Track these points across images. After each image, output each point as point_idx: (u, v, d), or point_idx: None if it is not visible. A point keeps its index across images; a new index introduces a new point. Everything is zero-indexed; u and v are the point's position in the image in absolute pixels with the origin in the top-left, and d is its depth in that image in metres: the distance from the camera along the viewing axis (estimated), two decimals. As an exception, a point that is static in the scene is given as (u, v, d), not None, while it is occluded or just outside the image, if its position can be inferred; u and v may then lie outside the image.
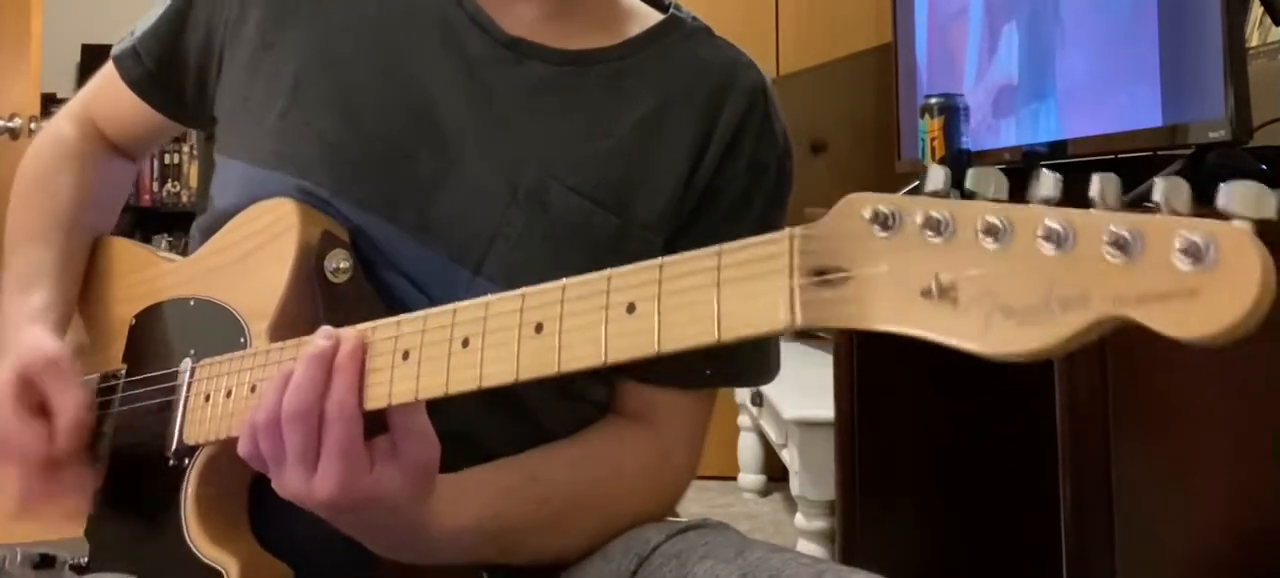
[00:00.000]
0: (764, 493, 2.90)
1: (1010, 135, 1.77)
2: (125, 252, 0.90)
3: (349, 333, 0.62)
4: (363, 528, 0.66)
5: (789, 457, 2.26)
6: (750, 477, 2.91)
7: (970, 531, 1.82)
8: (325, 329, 0.63)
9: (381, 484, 0.61)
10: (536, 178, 0.76)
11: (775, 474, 2.82)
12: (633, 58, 0.82)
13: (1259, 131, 1.27)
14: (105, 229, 0.93)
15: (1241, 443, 1.09)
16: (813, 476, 2.15)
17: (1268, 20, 1.50)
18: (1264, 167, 1.28)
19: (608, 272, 0.54)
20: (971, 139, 1.59)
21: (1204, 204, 1.21)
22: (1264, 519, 1.09)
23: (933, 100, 1.60)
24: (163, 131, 0.95)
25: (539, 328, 0.56)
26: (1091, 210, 0.40)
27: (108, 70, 0.92)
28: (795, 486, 2.21)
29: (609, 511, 0.76)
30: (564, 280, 0.56)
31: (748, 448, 2.92)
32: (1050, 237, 0.40)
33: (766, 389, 2.42)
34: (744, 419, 2.91)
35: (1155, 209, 0.39)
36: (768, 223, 0.83)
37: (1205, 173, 1.26)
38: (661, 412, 0.80)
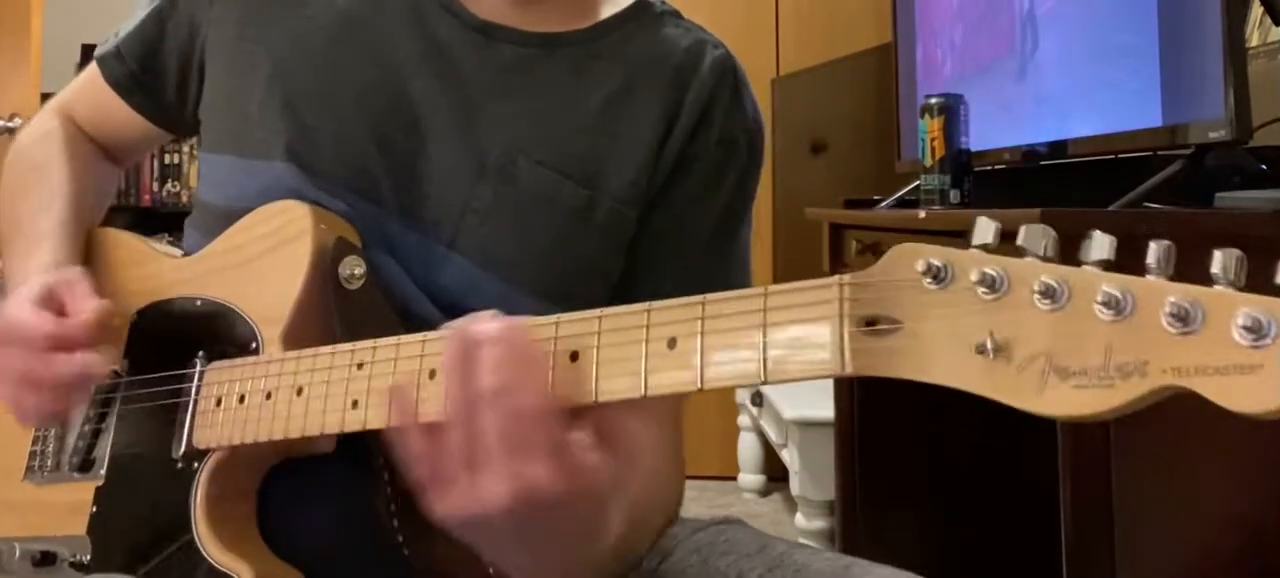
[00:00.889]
0: (764, 493, 2.90)
1: (1010, 135, 1.76)
2: (122, 244, 0.88)
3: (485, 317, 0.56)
4: (559, 534, 0.57)
5: (789, 457, 2.26)
6: (750, 477, 2.91)
7: (970, 531, 1.82)
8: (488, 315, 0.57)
9: (601, 472, 0.54)
10: (504, 153, 0.78)
11: (775, 474, 2.82)
12: (601, 40, 0.83)
13: (1259, 132, 1.28)
14: (96, 220, 0.92)
15: (1241, 445, 1.09)
16: (813, 476, 2.15)
17: (1268, 20, 1.50)
18: (1264, 167, 1.28)
19: (646, 305, 0.54)
20: (971, 139, 1.59)
21: (1203, 205, 1.20)
22: (1263, 521, 1.09)
23: (933, 100, 1.60)
24: (144, 138, 0.95)
25: (574, 356, 0.56)
26: (1150, 278, 0.41)
27: (90, 73, 0.93)
28: (795, 486, 2.22)
29: (661, 509, 0.76)
30: (599, 311, 0.55)
31: (748, 448, 2.92)
32: (1109, 303, 0.40)
33: (766, 389, 2.43)
34: (744, 419, 2.91)
35: (1215, 280, 0.39)
36: (737, 201, 0.84)
37: (1205, 173, 1.26)
38: (657, 408, 0.80)
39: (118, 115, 0.92)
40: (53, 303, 0.75)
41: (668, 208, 0.81)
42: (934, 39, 2.16)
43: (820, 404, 2.04)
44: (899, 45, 2.31)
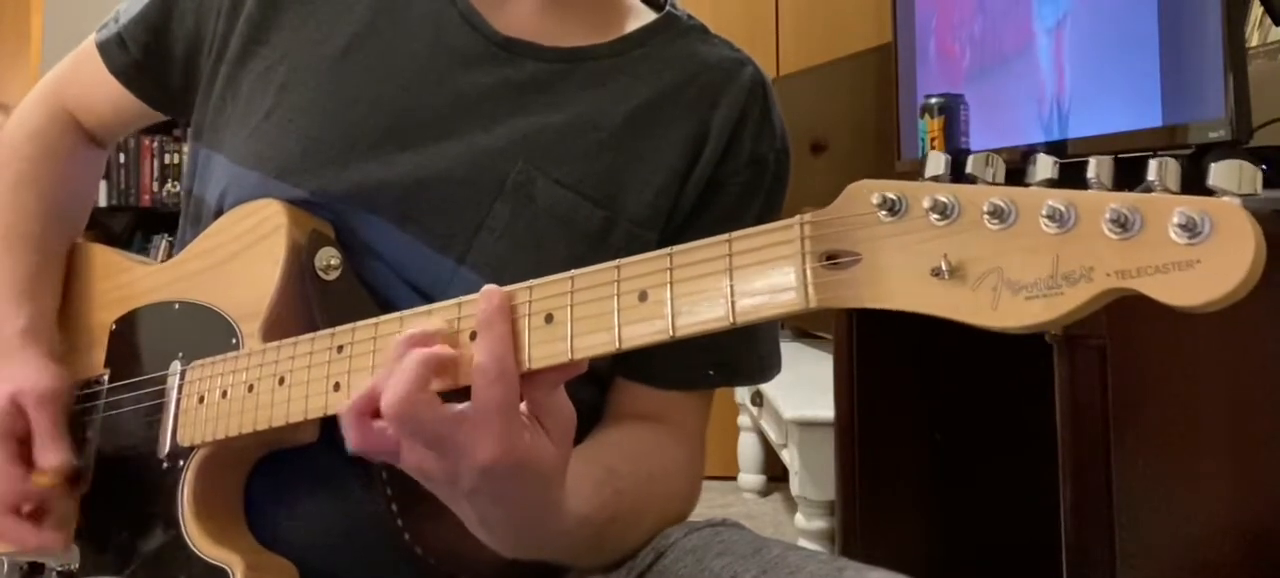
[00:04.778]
0: (764, 493, 2.90)
1: (1010, 135, 1.76)
2: (99, 257, 0.89)
3: (490, 290, 0.57)
4: (506, 505, 0.60)
5: (789, 457, 2.26)
6: (750, 477, 2.91)
7: (970, 531, 1.82)
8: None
9: (537, 448, 0.57)
10: (523, 171, 0.77)
11: (775, 474, 2.82)
12: (626, 54, 0.82)
13: (1259, 132, 1.28)
14: (79, 228, 0.93)
15: (1241, 444, 1.09)
16: (813, 476, 2.15)
17: (1268, 20, 1.50)
18: (1264, 167, 1.28)
19: (616, 262, 0.55)
20: (971, 138, 1.59)
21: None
22: (1264, 520, 1.09)
23: (933, 100, 1.60)
24: (141, 119, 0.94)
25: (549, 318, 0.56)
26: (1090, 191, 0.43)
27: (86, 56, 0.91)
28: (795, 486, 2.21)
29: (659, 509, 0.76)
30: (571, 272, 0.56)
31: (748, 448, 2.92)
32: (1053, 216, 0.42)
33: (766, 389, 2.43)
34: (744, 419, 2.91)
35: (1150, 188, 0.42)
36: (765, 220, 0.83)
37: (1205, 173, 1.26)
38: (677, 414, 0.80)
39: (114, 100, 0.90)
40: (21, 421, 0.76)
41: (698, 234, 0.80)
42: (950, 34, 2.16)
43: (820, 404, 2.04)
44: (899, 45, 2.31)
